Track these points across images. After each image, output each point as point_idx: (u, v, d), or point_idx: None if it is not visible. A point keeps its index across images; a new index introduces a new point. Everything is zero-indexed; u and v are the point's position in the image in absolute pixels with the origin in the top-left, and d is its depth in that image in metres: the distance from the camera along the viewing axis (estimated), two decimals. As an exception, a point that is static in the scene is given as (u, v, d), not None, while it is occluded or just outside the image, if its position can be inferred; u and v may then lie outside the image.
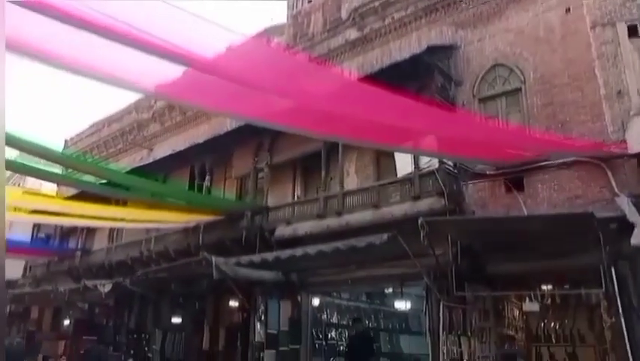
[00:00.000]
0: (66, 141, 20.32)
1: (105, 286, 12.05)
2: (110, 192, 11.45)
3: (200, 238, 12.26)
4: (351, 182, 10.61)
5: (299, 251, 8.61)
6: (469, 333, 7.68)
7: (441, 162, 8.77)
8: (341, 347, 11.30)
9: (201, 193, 12.99)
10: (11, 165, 9.63)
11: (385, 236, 7.21)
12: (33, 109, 58.00)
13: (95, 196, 11.97)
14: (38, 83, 65.52)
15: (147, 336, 13.60)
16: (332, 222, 10.00)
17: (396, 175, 9.70)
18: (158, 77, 5.08)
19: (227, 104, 5.81)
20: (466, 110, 9.05)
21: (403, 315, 13.34)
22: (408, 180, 9.29)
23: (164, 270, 11.51)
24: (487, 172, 8.67)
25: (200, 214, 11.92)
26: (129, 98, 18.56)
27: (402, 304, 11.54)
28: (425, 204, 8.71)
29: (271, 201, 11.75)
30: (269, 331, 9.94)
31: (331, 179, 10.95)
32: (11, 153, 8.11)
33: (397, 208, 9.11)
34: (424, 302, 8.44)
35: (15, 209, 14.74)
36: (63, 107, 63.47)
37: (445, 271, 7.90)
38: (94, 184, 10.66)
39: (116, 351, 14.31)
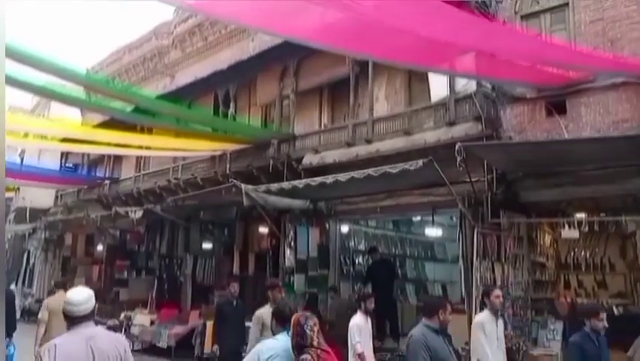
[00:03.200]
0: (87, 70, 20.07)
1: (136, 213, 12.24)
2: (136, 118, 11.34)
3: (228, 167, 12.22)
4: (381, 108, 10.24)
5: (330, 178, 8.46)
6: (503, 260, 7.64)
7: (479, 85, 8.34)
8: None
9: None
10: (41, 91, 9.51)
11: (421, 162, 6.95)
12: (53, 38, 57.49)
13: (121, 124, 11.91)
14: (57, 11, 64.48)
15: (179, 261, 14.02)
16: (361, 150, 9.77)
17: (429, 100, 9.31)
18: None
19: (258, 19, 5.48)
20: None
21: (428, 243, 13.44)
22: (442, 104, 8.90)
23: (194, 197, 11.59)
24: (528, 96, 8.23)
25: (227, 143, 11.81)
26: (148, 25, 18.04)
27: (432, 232, 11.58)
28: (460, 129, 8.38)
29: (298, 129, 11.51)
30: (298, 257, 10.09)
31: (359, 105, 10.60)
32: (39, 79, 7.93)
33: (430, 135, 8.81)
34: (457, 229, 8.35)
35: (42, 137, 14.89)
36: (83, 35, 62.77)
37: (479, 198, 7.75)
38: (120, 110, 10.52)
39: (149, 275, 14.87)
